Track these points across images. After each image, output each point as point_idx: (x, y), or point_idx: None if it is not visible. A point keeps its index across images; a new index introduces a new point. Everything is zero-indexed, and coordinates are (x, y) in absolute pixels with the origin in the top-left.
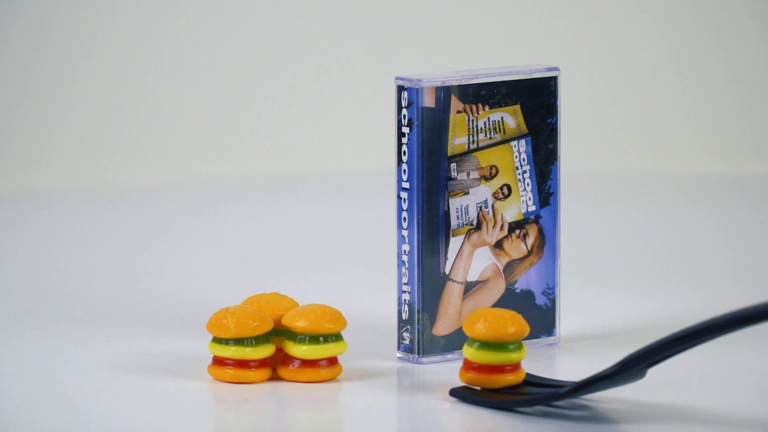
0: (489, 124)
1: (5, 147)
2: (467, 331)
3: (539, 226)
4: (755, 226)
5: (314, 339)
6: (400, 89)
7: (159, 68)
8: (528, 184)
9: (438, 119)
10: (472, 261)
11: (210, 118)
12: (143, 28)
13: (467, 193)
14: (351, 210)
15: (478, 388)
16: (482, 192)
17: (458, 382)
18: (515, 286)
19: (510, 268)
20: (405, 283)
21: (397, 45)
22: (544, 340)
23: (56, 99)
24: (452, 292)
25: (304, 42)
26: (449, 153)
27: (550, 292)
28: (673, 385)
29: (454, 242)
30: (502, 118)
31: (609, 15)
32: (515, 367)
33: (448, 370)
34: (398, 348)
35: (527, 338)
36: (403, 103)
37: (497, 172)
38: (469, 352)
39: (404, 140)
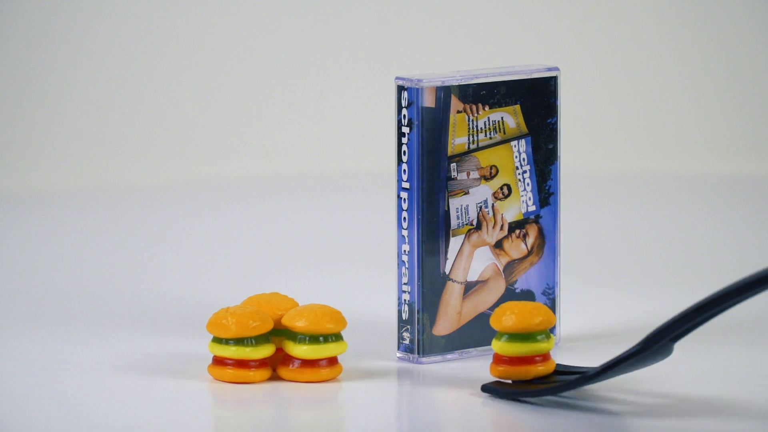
0: (489, 124)
1: (5, 147)
2: (495, 326)
3: (539, 226)
4: (755, 226)
5: (314, 339)
6: (400, 89)
7: (159, 68)
8: (528, 184)
9: (438, 119)
10: (472, 261)
11: (210, 118)
12: (143, 28)
13: (467, 193)
14: (351, 210)
15: (510, 381)
16: (482, 192)
17: (459, 383)
18: (515, 286)
19: (510, 268)
20: (405, 283)
21: (397, 45)
22: None
23: (56, 99)
24: (452, 292)
25: (304, 42)
26: (449, 153)
27: (550, 292)
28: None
29: (454, 242)
30: (502, 118)
31: (609, 15)
32: (545, 357)
33: (448, 370)
34: (398, 348)
35: None
36: (403, 103)
37: (497, 172)
38: (498, 345)
39: (404, 140)
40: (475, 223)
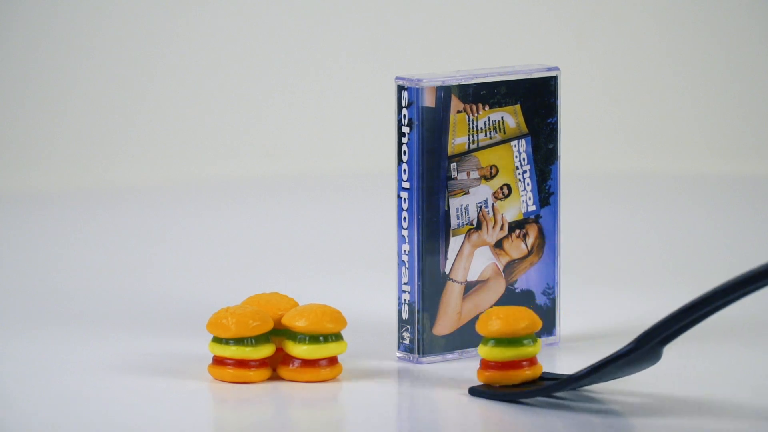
0: (489, 124)
1: (5, 147)
2: (481, 331)
3: (539, 226)
4: (755, 226)
5: (314, 339)
6: (400, 89)
7: (159, 68)
8: (528, 184)
9: (438, 119)
10: (472, 261)
11: (210, 118)
12: (143, 28)
13: (467, 192)
14: (351, 210)
15: (497, 385)
16: (482, 192)
17: (459, 382)
18: (515, 285)
19: (510, 267)
20: (405, 283)
21: (397, 45)
22: (545, 340)
23: (56, 99)
24: (452, 292)
25: (304, 42)
26: (449, 153)
27: (550, 292)
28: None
29: (454, 242)
30: (502, 117)
31: (609, 15)
32: (531, 361)
33: (448, 370)
34: (398, 348)
35: None
36: (403, 103)
37: (497, 171)
38: (484, 351)
39: (404, 140)
40: (475, 223)
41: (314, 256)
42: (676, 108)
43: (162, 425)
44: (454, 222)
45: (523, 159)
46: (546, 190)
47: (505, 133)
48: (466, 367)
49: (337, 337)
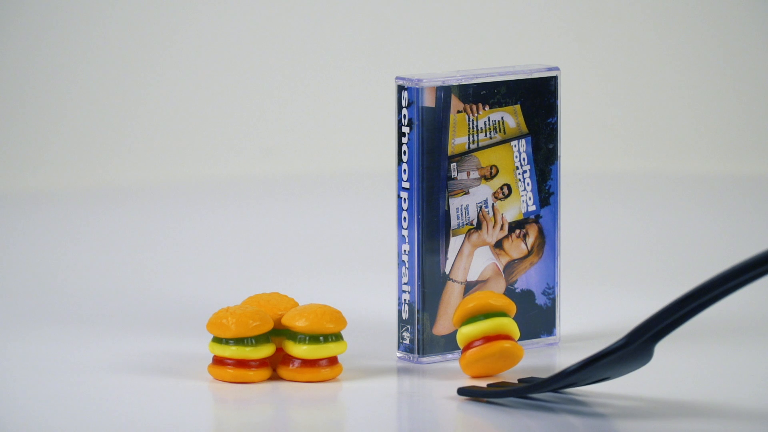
0: (489, 124)
1: (5, 147)
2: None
3: (539, 226)
4: (755, 226)
5: (314, 339)
6: (400, 89)
7: (159, 68)
8: (528, 184)
9: (438, 119)
10: (472, 261)
11: (210, 118)
12: (143, 28)
13: (467, 192)
14: (351, 210)
15: (484, 384)
16: (482, 192)
17: (459, 383)
18: (515, 285)
19: (510, 267)
20: (405, 283)
21: (397, 45)
22: (544, 339)
23: (56, 99)
24: (452, 292)
25: (304, 42)
26: (449, 153)
27: (550, 292)
28: (675, 381)
29: (454, 242)
30: (502, 117)
31: (609, 15)
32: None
33: (448, 370)
34: (398, 348)
35: (528, 338)
36: (403, 102)
37: (497, 171)
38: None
39: (404, 140)
40: (475, 222)
41: (314, 256)
42: (676, 108)
43: (162, 425)
44: (454, 222)
45: (523, 159)
46: (546, 190)
47: (505, 133)
48: None
49: (337, 337)
